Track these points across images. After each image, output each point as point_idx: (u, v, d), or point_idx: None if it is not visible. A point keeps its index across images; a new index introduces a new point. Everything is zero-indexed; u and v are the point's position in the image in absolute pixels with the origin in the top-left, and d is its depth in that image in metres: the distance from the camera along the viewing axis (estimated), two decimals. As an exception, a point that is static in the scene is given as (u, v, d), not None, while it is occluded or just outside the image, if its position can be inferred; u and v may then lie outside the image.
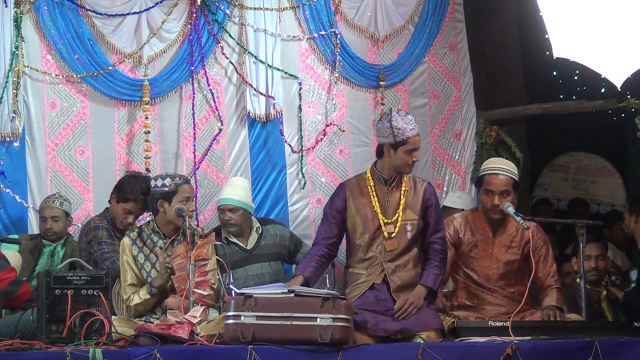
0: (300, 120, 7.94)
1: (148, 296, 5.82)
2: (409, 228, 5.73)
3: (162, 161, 7.59)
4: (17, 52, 7.21)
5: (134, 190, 6.67)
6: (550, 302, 5.92)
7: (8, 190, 7.05)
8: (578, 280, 6.49)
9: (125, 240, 5.98)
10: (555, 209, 10.63)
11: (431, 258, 5.77)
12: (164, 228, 5.98)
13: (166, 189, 5.94)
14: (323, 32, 7.99)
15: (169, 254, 5.88)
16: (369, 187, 5.77)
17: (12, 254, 6.58)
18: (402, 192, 5.75)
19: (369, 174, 5.80)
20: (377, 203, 5.73)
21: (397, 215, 5.72)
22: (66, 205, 6.94)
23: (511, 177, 5.95)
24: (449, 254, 5.94)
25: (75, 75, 7.37)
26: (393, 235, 5.71)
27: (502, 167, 6.00)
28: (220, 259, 6.04)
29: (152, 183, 6.05)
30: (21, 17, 7.22)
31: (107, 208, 6.91)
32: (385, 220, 5.72)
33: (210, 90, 7.67)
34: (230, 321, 5.14)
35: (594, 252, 6.98)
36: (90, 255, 6.56)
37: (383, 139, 5.71)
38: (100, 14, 7.43)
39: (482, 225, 6.03)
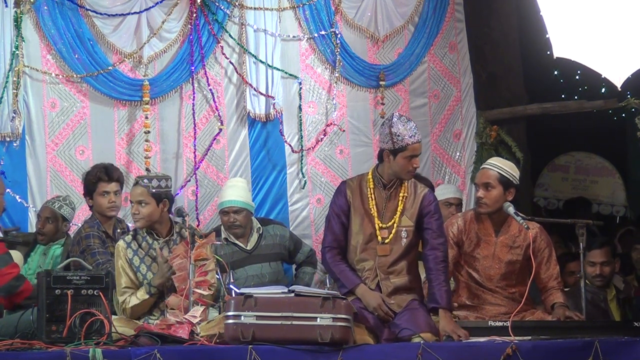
0: (300, 120, 7.94)
1: (147, 296, 5.77)
2: (403, 234, 5.66)
3: (162, 161, 7.59)
4: (17, 52, 7.20)
5: None
6: (558, 300, 5.90)
7: (8, 190, 7.04)
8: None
9: (120, 244, 5.91)
10: (554, 209, 10.62)
11: (434, 269, 5.61)
12: (157, 228, 5.96)
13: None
14: (323, 32, 7.99)
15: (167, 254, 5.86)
16: (369, 190, 5.71)
17: (16, 251, 6.57)
18: (401, 198, 5.68)
19: (370, 176, 5.74)
20: (374, 206, 5.69)
21: (393, 221, 5.66)
22: (65, 209, 6.83)
23: (498, 172, 5.91)
24: (452, 253, 5.90)
25: (75, 75, 7.36)
26: (387, 240, 5.65)
27: (492, 163, 6.01)
28: (220, 259, 6.03)
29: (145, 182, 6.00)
30: (21, 17, 7.21)
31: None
32: (381, 225, 5.66)
33: (210, 90, 7.67)
34: (230, 321, 5.13)
35: (598, 259, 6.82)
36: None
37: (383, 144, 5.64)
38: (100, 13, 7.42)
39: (485, 225, 6.01)
